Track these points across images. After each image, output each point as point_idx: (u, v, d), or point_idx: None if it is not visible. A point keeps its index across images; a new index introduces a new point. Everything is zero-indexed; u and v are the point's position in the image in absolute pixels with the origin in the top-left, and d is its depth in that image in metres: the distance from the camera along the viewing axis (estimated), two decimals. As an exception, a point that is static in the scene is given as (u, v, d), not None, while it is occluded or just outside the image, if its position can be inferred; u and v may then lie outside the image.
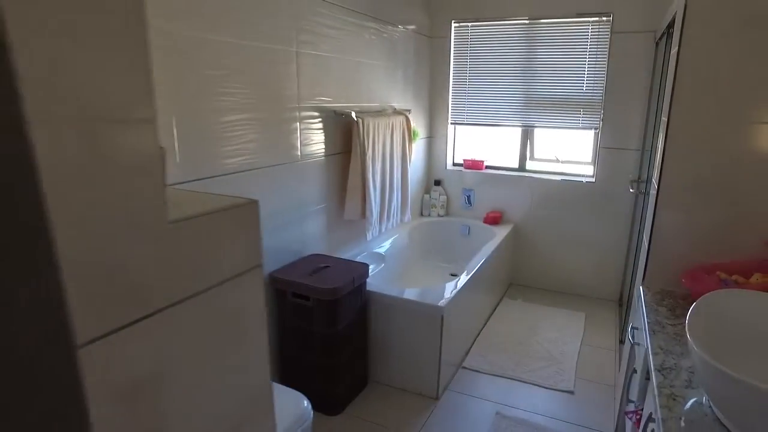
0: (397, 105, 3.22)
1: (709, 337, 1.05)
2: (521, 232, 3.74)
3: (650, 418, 1.24)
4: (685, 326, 1.07)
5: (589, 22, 3.25)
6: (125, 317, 0.60)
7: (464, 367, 2.62)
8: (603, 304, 3.48)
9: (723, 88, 1.57)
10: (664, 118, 1.76)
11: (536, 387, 2.46)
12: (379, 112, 2.90)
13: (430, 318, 2.25)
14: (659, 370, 1.23)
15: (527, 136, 3.70)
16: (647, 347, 1.38)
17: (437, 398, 2.35)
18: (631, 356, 1.78)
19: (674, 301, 1.62)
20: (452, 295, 2.33)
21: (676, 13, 1.85)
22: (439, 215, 3.89)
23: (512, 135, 3.75)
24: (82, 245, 0.53)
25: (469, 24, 3.57)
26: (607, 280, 3.54)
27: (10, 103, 0.43)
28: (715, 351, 0.96)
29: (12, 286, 0.49)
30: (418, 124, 3.51)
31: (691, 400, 1.09)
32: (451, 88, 3.75)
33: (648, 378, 1.43)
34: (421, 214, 3.90)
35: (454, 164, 3.96)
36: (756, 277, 1.48)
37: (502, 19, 3.47)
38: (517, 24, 3.44)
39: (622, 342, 2.86)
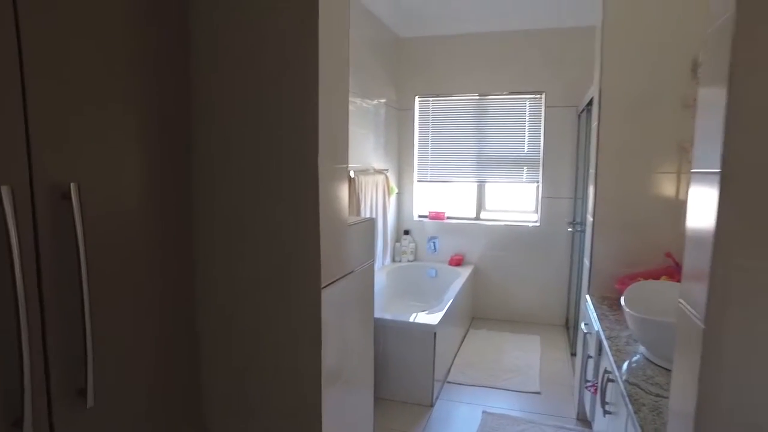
0: (376, 165, 3.82)
1: (635, 306, 1.64)
2: (480, 271, 4.36)
3: (607, 379, 1.79)
4: (620, 315, 1.66)
5: (526, 98, 4.08)
6: (336, 276, 1.12)
7: (449, 382, 3.10)
8: (553, 328, 4.11)
9: (632, 149, 2.28)
10: (592, 171, 2.45)
11: (510, 392, 2.98)
12: (366, 171, 3.48)
13: (425, 336, 2.74)
14: (608, 338, 1.80)
15: (481, 190, 4.40)
16: (598, 329, 1.96)
17: (432, 405, 2.80)
18: (585, 346, 2.35)
19: (611, 302, 2.24)
20: (440, 318, 2.84)
21: (593, 96, 2.61)
22: (409, 260, 4.44)
23: (468, 189, 4.44)
24: (325, 237, 1.05)
25: (430, 99, 4.33)
26: (555, 307, 4.19)
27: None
28: (638, 312, 1.55)
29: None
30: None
31: (631, 352, 1.67)
32: (416, 151, 4.43)
33: (600, 354, 2.01)
34: (394, 260, 4.44)
35: (420, 216, 4.57)
36: (663, 278, 2.12)
37: (457, 95, 4.25)
38: (470, 99, 4.23)
39: (573, 354, 3.45)
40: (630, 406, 1.31)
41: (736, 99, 0.70)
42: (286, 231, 1.21)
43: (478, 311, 4.40)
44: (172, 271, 1.19)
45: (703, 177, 0.78)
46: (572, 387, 3.02)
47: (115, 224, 0.98)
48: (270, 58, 1.19)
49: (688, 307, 0.82)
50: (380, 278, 3.87)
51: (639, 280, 2.19)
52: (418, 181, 4.50)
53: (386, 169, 3.89)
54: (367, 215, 3.31)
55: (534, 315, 4.26)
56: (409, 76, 4.33)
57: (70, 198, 0.80)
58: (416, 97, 4.36)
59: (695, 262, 0.80)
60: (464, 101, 4.26)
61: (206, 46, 1.24)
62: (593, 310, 2.16)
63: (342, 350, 1.37)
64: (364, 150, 3.61)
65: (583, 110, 3.50)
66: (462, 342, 3.80)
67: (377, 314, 2.85)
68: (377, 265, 3.61)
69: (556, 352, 3.63)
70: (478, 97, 4.22)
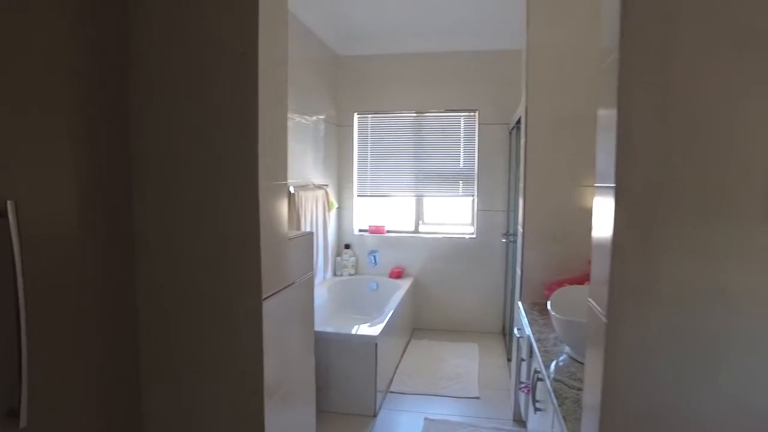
0: (316, 181, 3.86)
1: (559, 310, 1.77)
2: (420, 283, 4.47)
3: (536, 379, 1.91)
4: (548, 319, 1.79)
5: (461, 116, 4.27)
6: (277, 287, 1.15)
7: (391, 392, 3.15)
8: (491, 335, 4.27)
9: (557, 164, 2.46)
10: (522, 185, 2.61)
11: (451, 398, 3.08)
12: (305, 186, 3.51)
13: (367, 347, 2.79)
14: (538, 341, 1.93)
15: (419, 203, 4.53)
16: (529, 333, 2.09)
17: (375, 416, 2.84)
18: (518, 349, 2.48)
19: (540, 307, 2.39)
20: (381, 329, 2.90)
21: (521, 115, 2.79)
22: (350, 274, 4.48)
23: (407, 203, 4.56)
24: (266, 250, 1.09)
25: (369, 115, 4.43)
26: (492, 315, 4.37)
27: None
28: (562, 314, 1.68)
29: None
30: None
31: (558, 352, 1.79)
32: (355, 166, 4.50)
33: (531, 356, 2.14)
34: (335, 274, 4.46)
35: (361, 230, 4.63)
36: (586, 284, 2.29)
37: (395, 112, 4.38)
38: (407, 116, 4.37)
39: (509, 360, 3.61)
40: (555, 401, 1.42)
41: (624, 122, 0.81)
42: (227, 245, 1.23)
43: (419, 322, 4.50)
44: (111, 288, 1.17)
45: (603, 190, 0.89)
46: (509, 390, 3.16)
47: (53, 242, 0.97)
48: (210, 77, 1.22)
49: (595, 304, 0.93)
50: (322, 292, 3.89)
51: (565, 286, 2.35)
52: (358, 195, 4.56)
53: (326, 185, 3.93)
54: (308, 230, 3.33)
55: (472, 323, 4.41)
56: (348, 94, 4.42)
57: (6, 216, 0.79)
58: (355, 113, 4.45)
59: (599, 264, 0.91)
60: (402, 118, 4.40)
61: (146, 63, 1.25)
62: (524, 316, 2.29)
63: (284, 362, 1.39)
64: (304, 166, 3.64)
65: (513, 128, 3.71)
66: (404, 352, 3.88)
67: (319, 328, 2.86)
68: (318, 279, 3.62)
69: (493, 358, 3.78)
70: (415, 114, 4.37)
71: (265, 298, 1.19)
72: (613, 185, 0.83)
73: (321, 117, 4.02)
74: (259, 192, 1.19)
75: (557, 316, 1.66)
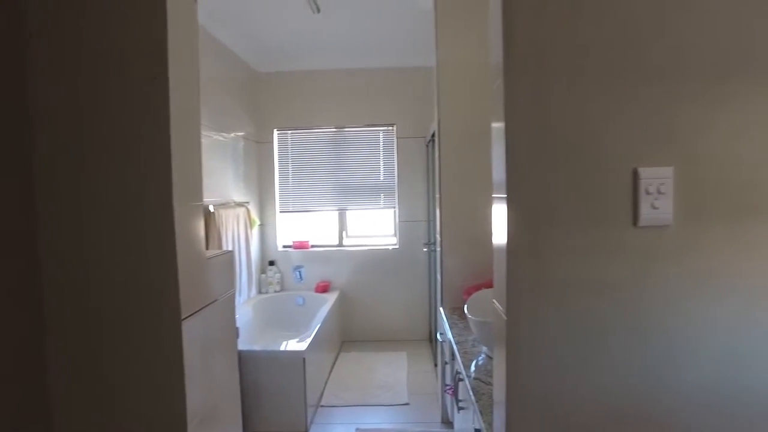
0: (237, 198, 3.79)
1: (475, 312, 1.89)
2: (347, 296, 4.50)
3: (458, 379, 2.01)
4: (467, 322, 1.90)
5: (380, 130, 4.40)
6: (196, 307, 1.15)
7: (322, 406, 3.15)
8: (418, 343, 4.39)
9: (470, 174, 2.61)
10: (438, 195, 2.74)
11: (381, 407, 3.13)
12: (226, 204, 3.44)
13: (295, 362, 2.78)
14: (458, 343, 2.03)
15: (342, 217, 4.58)
16: (450, 337, 2.19)
17: (306, 431, 2.82)
18: (442, 354, 2.59)
19: (460, 311, 2.51)
20: (308, 343, 2.90)
21: (435, 129, 2.93)
22: (275, 291, 4.43)
23: (330, 217, 4.59)
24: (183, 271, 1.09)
25: (289, 131, 4.43)
26: (419, 323, 4.49)
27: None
28: (477, 316, 1.79)
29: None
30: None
31: (476, 353, 1.91)
32: (277, 183, 4.48)
33: (453, 359, 2.24)
34: (260, 292, 4.38)
35: (285, 246, 4.60)
36: (500, 286, 2.45)
37: (315, 128, 4.42)
38: (328, 131, 4.42)
39: (436, 365, 3.73)
40: (473, 398, 1.51)
41: (511, 137, 0.92)
42: (143, 268, 1.20)
43: (348, 334, 4.52)
44: (19, 318, 1.11)
45: (499, 200, 0.99)
46: (437, 394, 3.26)
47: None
48: (119, 102, 1.20)
49: (497, 304, 1.02)
50: (247, 311, 3.81)
51: (481, 290, 2.50)
52: (281, 211, 4.54)
53: (247, 202, 3.87)
54: (230, 248, 3.26)
55: (400, 332, 4.51)
56: (267, 110, 4.40)
57: None
58: (275, 130, 4.43)
59: (498, 267, 1.01)
60: (322, 133, 4.45)
61: (48, 90, 1.20)
62: (446, 321, 2.40)
63: (207, 383, 1.37)
64: (224, 183, 3.57)
65: (429, 141, 3.88)
66: (333, 366, 3.88)
67: (246, 346, 2.81)
68: (243, 297, 3.55)
69: (421, 364, 3.88)
70: (335, 129, 4.43)
71: (185, 319, 1.18)
72: (505, 195, 0.93)
73: (240, 134, 3.96)
74: (174, 213, 1.19)
75: (472, 318, 1.77)
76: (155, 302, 1.21)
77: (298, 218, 4.63)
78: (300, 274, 4.51)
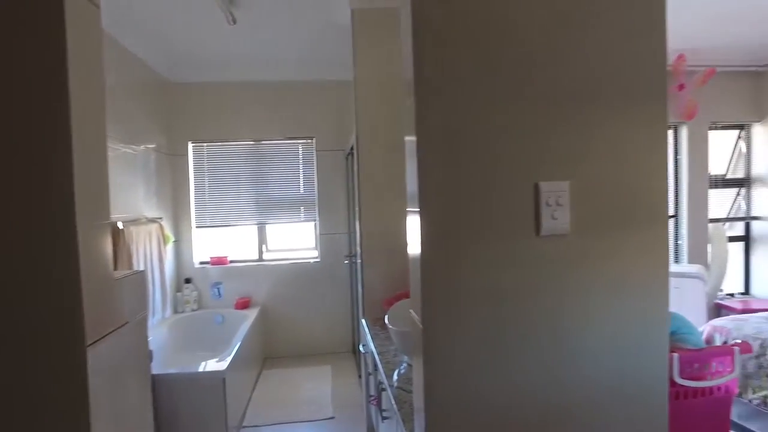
0: (149, 214, 3.60)
1: (395, 322, 1.94)
2: (269, 311, 4.40)
3: (381, 389, 2.04)
4: (388, 332, 1.94)
5: (299, 143, 4.38)
6: (104, 332, 1.09)
7: (245, 426, 3.05)
8: (343, 355, 4.38)
9: (388, 187, 2.67)
10: (358, 208, 2.78)
11: (307, 422, 3.10)
12: (137, 221, 3.25)
13: (214, 383, 2.67)
14: (380, 354, 2.07)
15: (262, 231, 4.49)
16: (372, 348, 2.22)
17: (228, 456, 2.72)
18: (365, 365, 2.61)
19: (382, 322, 2.55)
20: (228, 362, 2.80)
21: (354, 143, 2.98)
22: (192, 310, 4.23)
23: (250, 231, 4.49)
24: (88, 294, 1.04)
25: (205, 144, 4.28)
26: (342, 335, 4.48)
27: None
28: (397, 326, 1.84)
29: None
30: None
31: (398, 362, 1.95)
32: (193, 197, 4.31)
33: (376, 369, 2.27)
34: (176, 311, 4.17)
35: (202, 262, 4.42)
36: (420, 295, 2.52)
37: (233, 141, 4.31)
38: (245, 144, 4.33)
39: (360, 377, 3.74)
40: (395, 407, 1.55)
41: (422, 153, 0.97)
42: (43, 292, 1.11)
43: (271, 351, 4.42)
44: None
45: (413, 213, 1.04)
46: (362, 406, 3.28)
47: None
48: (13, 109, 1.11)
49: (414, 314, 1.06)
50: (162, 332, 3.61)
51: (402, 300, 2.56)
52: (197, 227, 4.36)
53: (160, 218, 3.69)
54: (141, 267, 3.09)
55: (324, 346, 4.48)
56: (181, 121, 4.23)
57: None
58: (189, 142, 4.27)
59: (414, 277, 1.05)
60: (240, 146, 4.35)
61: None
62: (368, 332, 2.43)
63: (116, 416, 1.29)
64: (134, 199, 3.38)
65: (349, 153, 3.92)
66: (255, 384, 3.77)
67: (162, 369, 2.66)
68: (157, 318, 3.36)
69: (346, 377, 3.88)
70: (253, 143, 4.35)
71: (90, 345, 1.11)
72: (418, 209, 0.97)
73: (151, 146, 3.77)
74: (78, 232, 1.11)
75: (392, 328, 1.82)
76: (57, 329, 1.12)
77: (215, 233, 4.48)
78: (219, 291, 4.36)
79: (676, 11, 3.33)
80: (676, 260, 4.85)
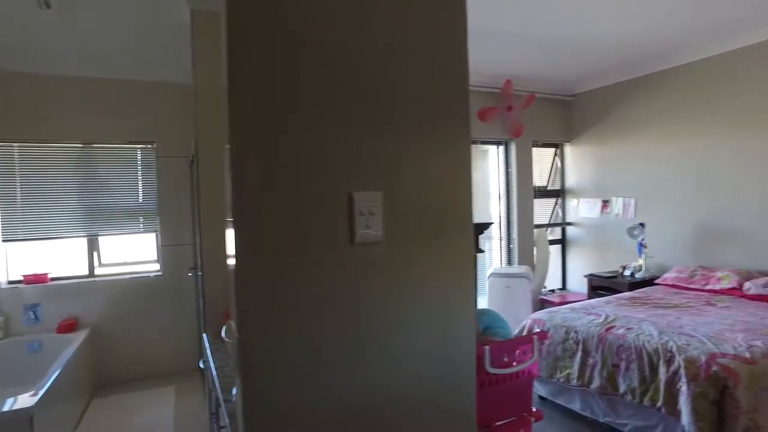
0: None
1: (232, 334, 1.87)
2: (102, 333, 3.94)
3: (217, 404, 1.95)
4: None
5: (138, 148, 4.02)
6: None
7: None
8: (189, 374, 4.09)
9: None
10: (198, 218, 2.64)
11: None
12: None
13: (18, 424, 2.29)
14: (218, 368, 1.97)
15: (94, 244, 4.02)
16: (211, 363, 2.12)
17: (39, 504, 2.36)
18: (207, 382, 2.47)
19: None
20: (40, 396, 2.44)
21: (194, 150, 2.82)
22: (-1, 338, 3.62)
23: (78, 245, 3.98)
24: None
25: (15, 144, 3.70)
26: (188, 352, 4.19)
27: None
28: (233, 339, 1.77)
29: None
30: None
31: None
32: (-2, 206, 3.69)
33: (215, 384, 2.17)
34: (-23, 342, 3.53)
35: (12, 282, 3.81)
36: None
37: (55, 142, 3.80)
38: (72, 147, 3.85)
39: (206, 395, 3.53)
40: (228, 421, 1.49)
41: (238, 164, 0.95)
42: None
43: (104, 377, 3.95)
44: None
45: (229, 224, 1.01)
46: (207, 426, 3.09)
47: None
48: None
49: (233, 324, 1.04)
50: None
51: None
52: (5, 240, 3.74)
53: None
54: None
55: (168, 366, 4.14)
56: (-16, 117, 3.61)
57: None
58: (-5, 141, 3.66)
59: (232, 289, 1.03)
60: (65, 149, 3.84)
61: None
62: (208, 346, 2.31)
63: None
64: None
65: (192, 161, 3.70)
66: (81, 417, 3.34)
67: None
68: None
69: (192, 396, 3.63)
70: (82, 146, 3.88)
71: None
72: (232, 219, 0.96)
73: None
74: None
75: (228, 341, 1.74)
76: None
77: (31, 247, 3.89)
78: (35, 314, 3.78)
79: (504, 40, 3.77)
80: (509, 262, 5.43)
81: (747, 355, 2.30)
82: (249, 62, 0.96)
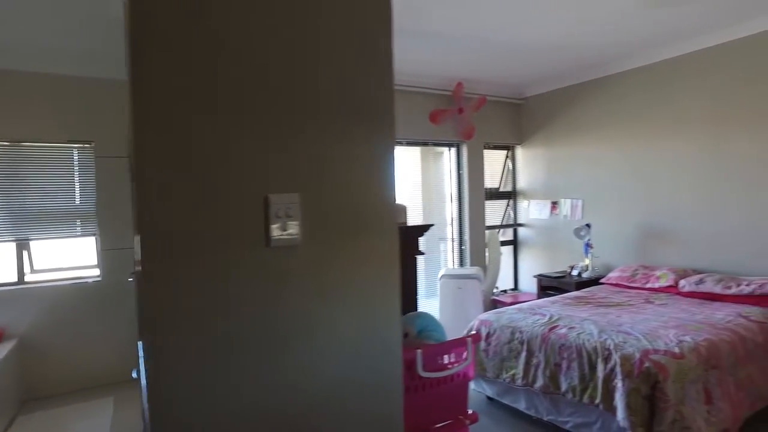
0: None
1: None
2: (32, 344, 3.71)
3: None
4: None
5: (74, 147, 3.82)
6: None
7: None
8: (131, 384, 3.91)
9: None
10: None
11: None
12: None
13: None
14: (147, 380, 1.88)
15: (24, 249, 3.79)
16: (142, 371, 2.02)
17: None
18: (141, 391, 2.36)
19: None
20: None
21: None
22: None
23: (5, 250, 3.74)
24: None
25: (-68, 142, 3.45)
26: (129, 360, 4.00)
27: None
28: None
29: None
30: None
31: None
32: None
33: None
34: None
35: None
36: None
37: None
38: (-2, 146, 3.62)
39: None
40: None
41: (141, 168, 0.90)
42: None
43: (33, 391, 3.72)
44: None
45: (136, 229, 0.95)
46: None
47: None
48: None
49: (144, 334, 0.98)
50: None
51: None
52: None
53: None
54: None
55: (107, 376, 3.95)
56: None
57: None
58: None
59: (137, 292, 0.97)
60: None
61: None
62: (141, 354, 2.21)
63: None
64: None
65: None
66: (7, 435, 3.14)
67: None
68: None
69: (132, 407, 3.47)
70: (8, 144, 3.65)
71: None
72: (137, 224, 0.90)
73: None
74: None
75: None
76: None
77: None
78: (-47, 326, 3.53)
79: (456, 43, 3.80)
80: (461, 263, 5.49)
81: (676, 350, 2.39)
82: (152, 60, 0.90)
